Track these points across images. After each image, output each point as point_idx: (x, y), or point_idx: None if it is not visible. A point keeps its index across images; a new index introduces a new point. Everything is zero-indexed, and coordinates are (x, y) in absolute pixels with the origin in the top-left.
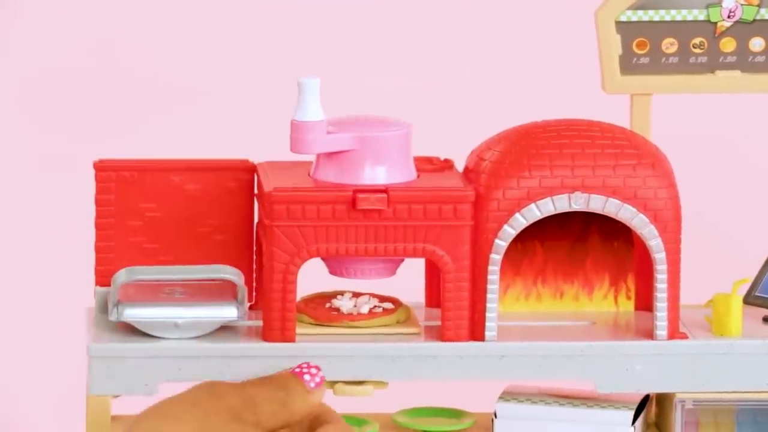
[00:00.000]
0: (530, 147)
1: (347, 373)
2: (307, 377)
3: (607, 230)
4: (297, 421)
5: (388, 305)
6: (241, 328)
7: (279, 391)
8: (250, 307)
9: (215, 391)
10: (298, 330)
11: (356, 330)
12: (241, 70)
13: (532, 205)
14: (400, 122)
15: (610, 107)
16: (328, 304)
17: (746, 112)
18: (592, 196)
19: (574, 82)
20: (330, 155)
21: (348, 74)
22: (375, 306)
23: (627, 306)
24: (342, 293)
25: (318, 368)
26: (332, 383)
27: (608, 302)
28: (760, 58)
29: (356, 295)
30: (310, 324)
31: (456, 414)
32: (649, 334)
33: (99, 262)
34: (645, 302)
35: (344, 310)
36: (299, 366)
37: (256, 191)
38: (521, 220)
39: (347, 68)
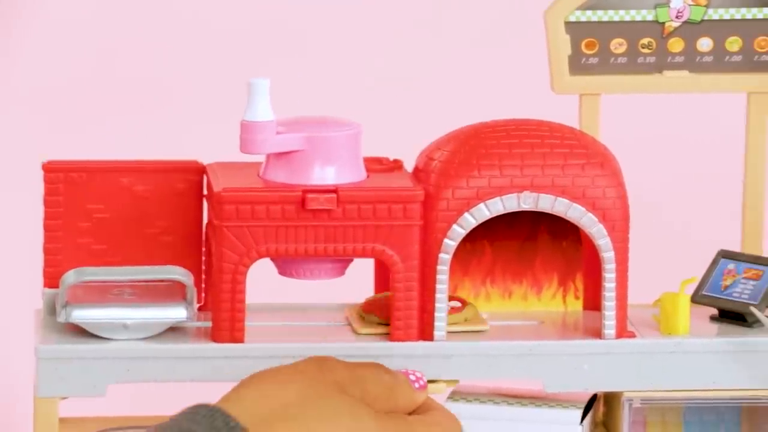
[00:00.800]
0: (479, 147)
1: None
2: (412, 377)
3: (556, 230)
4: (400, 412)
5: (456, 303)
6: (190, 329)
7: (387, 375)
8: (199, 308)
9: (324, 365)
10: (368, 330)
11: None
12: (190, 71)
13: (482, 205)
14: (350, 123)
15: (559, 107)
16: None
17: (694, 112)
18: (541, 195)
19: (523, 82)
20: (279, 155)
21: (297, 75)
22: None
23: (575, 305)
24: None
25: (422, 374)
26: None
27: (557, 302)
28: (708, 59)
29: None
30: (380, 323)
31: None
32: (598, 334)
33: (47, 263)
34: (593, 302)
35: None
36: (403, 370)
37: (205, 192)
38: (470, 219)
39: (297, 69)
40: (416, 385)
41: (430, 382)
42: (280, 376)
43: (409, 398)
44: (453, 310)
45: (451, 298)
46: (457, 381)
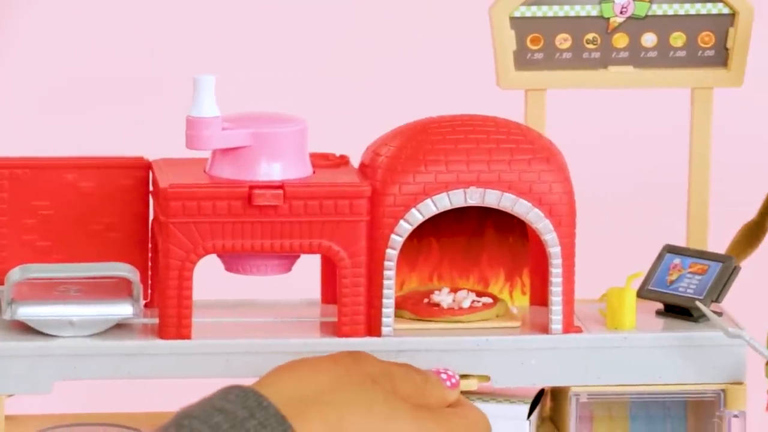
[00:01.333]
0: (426, 142)
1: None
2: (443, 376)
3: (502, 225)
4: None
5: (487, 300)
6: (136, 325)
7: (417, 375)
8: (146, 305)
9: (358, 358)
10: (400, 325)
11: (459, 324)
12: (135, 68)
13: (428, 201)
14: (296, 118)
15: (504, 103)
16: (426, 300)
17: (639, 108)
18: (488, 191)
19: (468, 77)
20: (226, 151)
21: (243, 71)
22: (474, 301)
23: (522, 301)
24: (439, 289)
25: (454, 372)
26: None
27: (503, 297)
28: (652, 54)
29: (453, 290)
30: (411, 319)
31: None
32: (545, 329)
33: None
34: (540, 297)
35: (445, 305)
36: (435, 369)
37: (151, 188)
38: (417, 215)
39: (243, 65)
40: (448, 383)
41: (462, 377)
42: (314, 364)
43: (440, 396)
44: (485, 306)
45: (482, 294)
46: (488, 377)
